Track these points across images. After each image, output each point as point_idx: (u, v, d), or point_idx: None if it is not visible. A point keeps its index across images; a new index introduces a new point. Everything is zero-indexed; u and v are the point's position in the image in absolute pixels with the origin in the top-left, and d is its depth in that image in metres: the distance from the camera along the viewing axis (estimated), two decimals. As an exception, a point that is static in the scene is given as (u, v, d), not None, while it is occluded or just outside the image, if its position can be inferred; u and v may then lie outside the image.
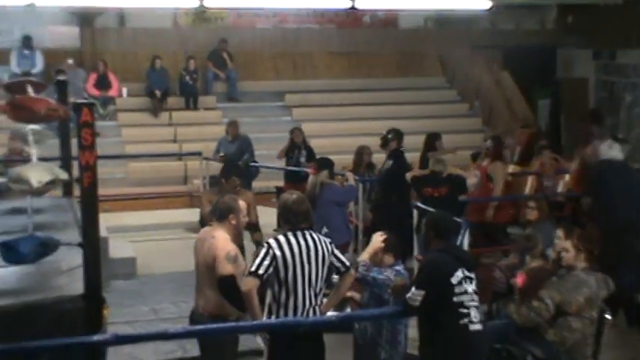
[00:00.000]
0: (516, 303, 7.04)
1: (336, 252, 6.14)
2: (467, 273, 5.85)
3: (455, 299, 5.76)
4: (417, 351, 6.17)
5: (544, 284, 6.94)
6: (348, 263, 6.20)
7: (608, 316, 7.10)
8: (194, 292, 6.70)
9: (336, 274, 6.20)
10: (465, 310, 5.78)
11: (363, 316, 6.84)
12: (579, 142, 12.81)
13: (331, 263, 6.06)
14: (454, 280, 5.77)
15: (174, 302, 9.87)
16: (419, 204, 10.08)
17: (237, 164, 11.52)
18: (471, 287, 5.83)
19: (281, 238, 5.97)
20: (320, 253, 5.97)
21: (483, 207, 10.73)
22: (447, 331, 5.77)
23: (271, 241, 5.98)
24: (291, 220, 6.06)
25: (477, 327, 5.83)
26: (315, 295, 5.98)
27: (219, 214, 6.57)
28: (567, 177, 13.09)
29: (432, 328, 5.84)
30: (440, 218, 6.41)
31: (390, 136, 11.11)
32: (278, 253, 5.88)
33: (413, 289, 5.80)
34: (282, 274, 5.88)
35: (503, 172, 10.63)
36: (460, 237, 8.59)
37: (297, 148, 13.66)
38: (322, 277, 6.00)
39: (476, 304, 5.87)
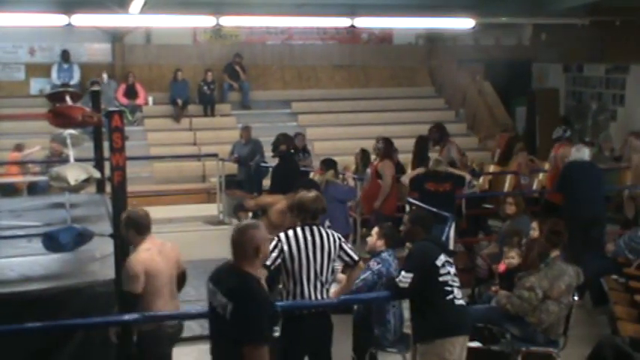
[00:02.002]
0: (505, 294, 7.09)
1: (345, 247, 6.10)
2: (447, 258, 5.92)
3: (440, 279, 5.82)
4: (410, 330, 6.21)
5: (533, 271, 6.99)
6: (356, 257, 6.16)
7: (576, 298, 7.13)
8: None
9: (346, 267, 6.20)
10: (449, 288, 5.84)
11: (356, 300, 6.84)
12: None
13: (340, 257, 6.04)
14: (439, 263, 5.83)
15: (194, 286, 9.77)
16: (410, 199, 10.08)
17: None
18: (452, 269, 5.91)
19: (290, 232, 5.95)
20: (326, 247, 5.93)
21: (373, 199, 10.68)
22: (437, 306, 5.83)
23: (281, 235, 5.95)
24: (303, 215, 6.04)
25: (461, 302, 5.93)
26: (322, 285, 5.95)
27: None
28: (541, 176, 13.15)
29: (424, 305, 5.89)
30: (424, 215, 6.54)
31: (280, 139, 11.05)
32: (285, 247, 5.87)
33: (403, 272, 5.84)
34: (289, 265, 5.87)
35: (391, 170, 10.58)
36: (447, 228, 8.60)
37: (299, 151, 13.67)
38: (328, 269, 5.97)
39: (457, 284, 5.93)
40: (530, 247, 7.28)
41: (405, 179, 10.44)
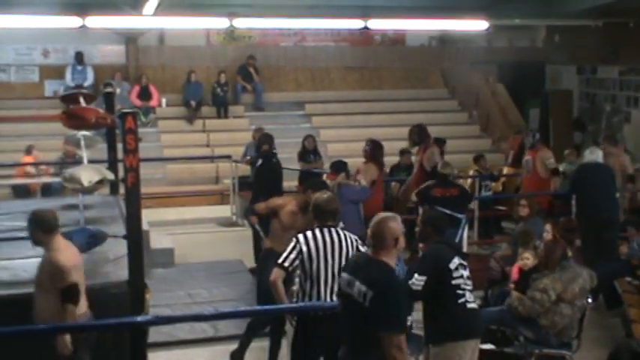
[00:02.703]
0: (517, 295, 7.05)
1: (362, 248, 6.03)
2: (461, 261, 5.87)
3: (453, 282, 5.76)
4: (422, 331, 6.18)
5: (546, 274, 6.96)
6: None
7: (590, 300, 7.09)
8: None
9: None
10: (461, 292, 5.78)
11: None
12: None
13: None
14: (452, 266, 5.77)
15: (206, 288, 9.88)
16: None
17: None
18: (465, 273, 5.84)
19: (308, 234, 5.93)
20: (344, 248, 5.92)
21: None
22: (449, 309, 5.78)
23: (300, 236, 5.94)
24: (319, 217, 6.03)
25: (473, 305, 5.86)
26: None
27: None
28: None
29: (436, 308, 5.85)
30: (437, 216, 6.42)
31: (261, 139, 11.17)
32: (304, 248, 5.85)
33: (416, 275, 5.81)
34: (307, 266, 5.86)
35: (374, 173, 10.52)
36: (460, 230, 8.57)
37: (310, 153, 13.65)
38: None
39: (470, 287, 5.87)
40: (552, 249, 7.20)
41: (413, 196, 10.35)
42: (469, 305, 5.81)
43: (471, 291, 5.89)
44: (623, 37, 17.14)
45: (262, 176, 10.87)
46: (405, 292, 4.81)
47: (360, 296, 4.65)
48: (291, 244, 5.87)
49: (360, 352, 4.74)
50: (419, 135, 11.69)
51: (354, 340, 4.82)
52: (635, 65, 17.48)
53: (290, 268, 5.87)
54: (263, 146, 11.01)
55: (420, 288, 5.77)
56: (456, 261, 5.81)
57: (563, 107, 18.26)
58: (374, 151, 10.64)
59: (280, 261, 5.86)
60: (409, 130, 11.89)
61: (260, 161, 11.03)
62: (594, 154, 10.16)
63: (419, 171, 11.31)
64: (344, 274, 4.91)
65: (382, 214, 4.93)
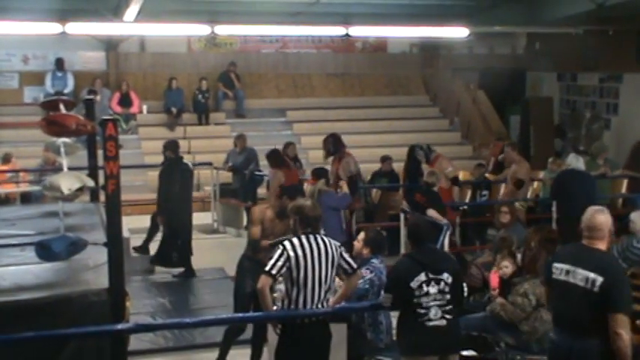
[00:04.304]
0: (500, 301, 7.07)
1: (345, 255, 6.08)
2: (431, 275, 5.86)
3: (415, 300, 5.82)
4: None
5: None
6: (355, 265, 6.15)
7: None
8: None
9: (344, 274, 6.16)
10: (423, 311, 5.82)
11: (351, 308, 6.84)
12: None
13: (340, 265, 6.03)
14: (413, 285, 5.81)
15: (187, 295, 9.87)
16: (404, 208, 10.09)
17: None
18: (433, 289, 5.83)
19: (295, 240, 5.90)
20: (330, 255, 5.91)
21: None
22: (407, 326, 5.93)
23: (286, 243, 5.90)
24: (304, 224, 6.00)
25: (436, 323, 5.85)
26: (325, 293, 5.94)
27: None
28: (536, 184, 13.16)
29: (399, 322, 6.06)
30: (413, 225, 6.46)
31: (165, 146, 11.54)
32: (292, 254, 5.81)
33: (382, 292, 5.95)
34: (294, 273, 5.82)
35: (278, 180, 10.73)
36: (441, 237, 8.61)
37: (291, 160, 13.62)
38: (331, 277, 5.96)
39: (438, 302, 5.85)
40: (537, 257, 7.20)
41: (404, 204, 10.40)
42: (430, 324, 5.84)
43: (442, 305, 5.87)
44: (603, 45, 17.27)
45: (165, 180, 11.19)
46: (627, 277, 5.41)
47: (588, 283, 5.10)
48: (278, 252, 5.83)
49: (583, 334, 5.13)
50: (334, 145, 11.66)
51: (575, 324, 5.20)
52: (615, 72, 17.63)
53: (277, 276, 5.85)
54: (166, 152, 11.36)
55: (388, 304, 5.98)
56: (422, 278, 5.83)
57: (543, 114, 18.35)
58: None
59: (268, 268, 5.82)
60: (324, 140, 11.87)
61: (164, 167, 11.38)
62: (579, 162, 10.22)
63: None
64: (560, 265, 5.33)
65: (594, 208, 5.46)
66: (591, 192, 10.13)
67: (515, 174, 11.82)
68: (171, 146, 11.46)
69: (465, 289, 6.03)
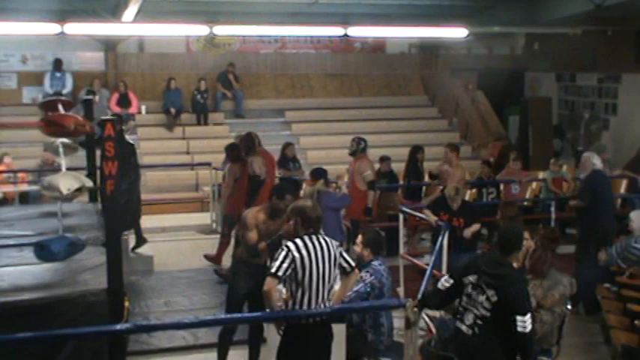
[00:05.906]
0: None
1: (344, 254, 6.07)
2: (477, 281, 5.77)
3: (462, 296, 5.85)
4: (403, 339, 6.20)
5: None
6: (353, 264, 6.13)
7: (569, 307, 7.13)
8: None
9: (342, 273, 6.14)
10: (462, 309, 5.87)
11: (356, 308, 6.85)
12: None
13: (339, 264, 6.02)
14: (465, 281, 5.82)
15: (186, 296, 9.86)
16: (404, 209, 10.07)
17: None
18: (478, 296, 5.75)
19: (298, 241, 5.85)
20: (332, 254, 5.89)
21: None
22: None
23: (290, 244, 5.85)
24: (306, 224, 5.96)
25: (464, 328, 5.84)
26: (329, 292, 5.93)
27: None
28: (534, 184, 13.16)
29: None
30: (504, 231, 6.23)
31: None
32: (297, 255, 5.77)
33: (446, 276, 6.00)
34: (300, 274, 5.78)
35: (234, 174, 10.72)
36: (441, 237, 8.61)
37: (289, 161, 13.61)
38: (334, 276, 5.95)
39: (476, 312, 5.76)
40: (543, 258, 7.16)
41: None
42: (461, 326, 5.84)
43: (478, 317, 5.74)
44: (601, 45, 17.30)
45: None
46: None
47: None
48: (283, 253, 5.79)
49: None
50: (247, 146, 11.35)
51: None
52: (614, 73, 17.64)
53: (283, 277, 5.82)
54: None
55: (443, 288, 5.95)
56: (470, 279, 5.81)
57: (542, 114, 18.37)
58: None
59: (274, 270, 5.75)
60: (239, 140, 11.62)
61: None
62: (600, 163, 10.03)
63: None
64: None
65: None
66: (610, 194, 10.04)
67: (445, 175, 11.58)
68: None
69: (525, 330, 5.56)
